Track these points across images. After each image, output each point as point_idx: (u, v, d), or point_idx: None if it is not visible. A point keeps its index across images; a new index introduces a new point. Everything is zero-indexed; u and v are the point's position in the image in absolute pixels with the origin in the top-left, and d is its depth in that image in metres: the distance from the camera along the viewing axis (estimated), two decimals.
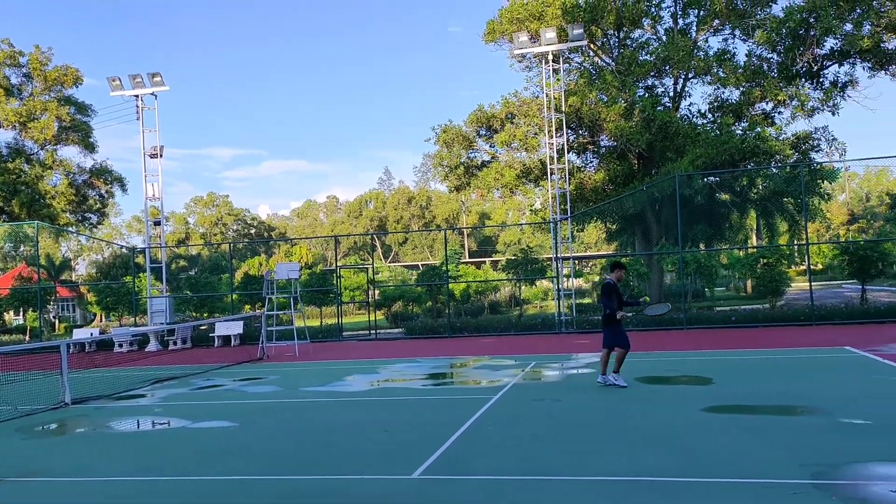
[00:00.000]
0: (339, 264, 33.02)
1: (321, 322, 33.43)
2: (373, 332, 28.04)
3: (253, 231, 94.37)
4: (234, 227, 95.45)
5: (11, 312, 41.02)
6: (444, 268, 29.88)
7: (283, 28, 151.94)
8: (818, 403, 9.71)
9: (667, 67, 29.67)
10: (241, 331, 26.50)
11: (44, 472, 8.05)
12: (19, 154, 38.04)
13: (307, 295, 30.11)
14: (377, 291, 34.28)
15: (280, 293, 24.34)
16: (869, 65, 28.77)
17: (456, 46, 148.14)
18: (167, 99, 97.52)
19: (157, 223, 30.75)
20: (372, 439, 8.95)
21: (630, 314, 12.76)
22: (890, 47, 27.94)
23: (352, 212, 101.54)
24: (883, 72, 28.81)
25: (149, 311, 28.19)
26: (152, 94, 28.72)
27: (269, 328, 22.17)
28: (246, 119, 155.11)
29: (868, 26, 26.91)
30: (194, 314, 31.75)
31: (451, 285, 30.35)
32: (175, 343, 26.64)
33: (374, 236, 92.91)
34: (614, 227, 37.79)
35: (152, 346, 26.29)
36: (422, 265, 58.96)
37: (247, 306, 32.71)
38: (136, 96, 28.68)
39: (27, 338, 34.91)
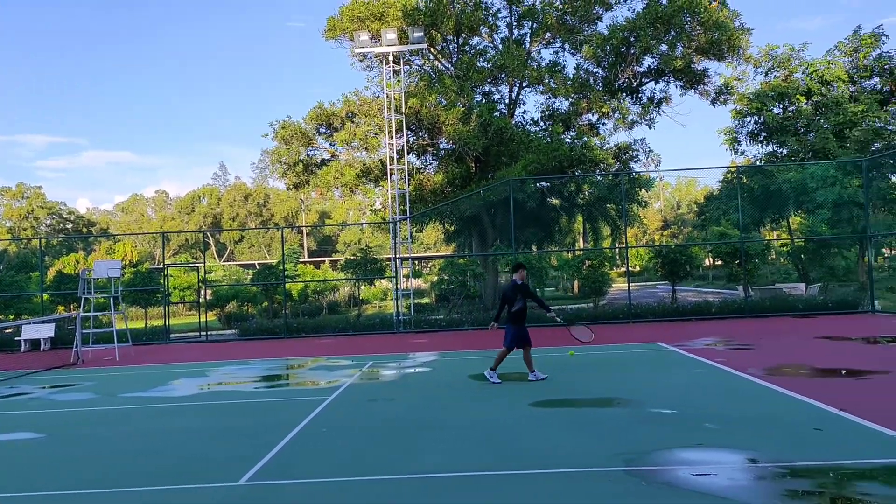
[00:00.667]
0: (167, 262, 31.19)
1: (146, 324, 31.42)
2: (203, 333, 26.76)
3: (70, 226, 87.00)
4: (48, 222, 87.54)
5: None
6: (281, 267, 29.13)
7: (110, 8, 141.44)
8: (632, 396, 10.43)
9: (503, 75, 30.76)
10: (52, 334, 24.32)
11: None
12: None
13: (131, 295, 28.21)
14: (209, 291, 32.78)
15: (99, 293, 22.60)
16: (681, 83, 31.50)
17: (297, 42, 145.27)
18: None
19: None
20: (196, 447, 8.51)
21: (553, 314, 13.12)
22: (699, 68, 30.74)
23: (183, 208, 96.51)
24: (693, 90, 31.64)
25: None
26: None
27: (84, 331, 20.50)
28: (64, 105, 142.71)
29: (681, 48, 29.44)
30: None
31: (288, 285, 29.65)
32: None
33: (208, 234, 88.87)
34: (452, 228, 38.64)
35: None
36: (258, 264, 57.17)
37: (60, 307, 30.07)
38: None
39: None
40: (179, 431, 9.50)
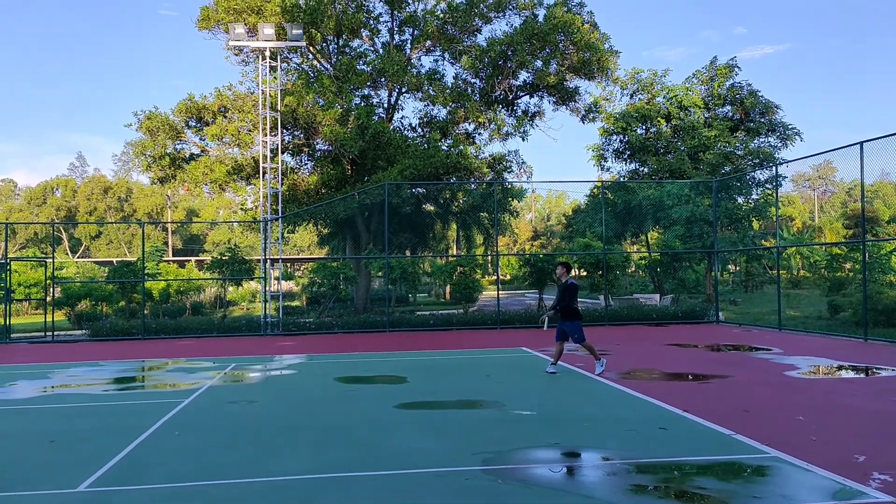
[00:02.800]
0: (10, 257, 28.79)
1: None
2: (49, 333, 24.88)
3: None
4: None
5: None
6: (141, 265, 27.62)
7: None
8: (495, 398, 10.65)
9: (382, 80, 30.73)
10: None
11: None
12: None
13: None
14: (59, 288, 30.55)
15: None
16: (554, 99, 32.71)
17: (167, 30, 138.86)
18: None
19: None
20: (32, 452, 7.87)
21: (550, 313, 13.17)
22: (571, 86, 32.05)
23: (33, 199, 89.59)
24: (564, 106, 32.94)
25: None
26: None
27: None
28: None
29: (555, 65, 30.59)
30: None
31: (148, 284, 28.15)
32: None
33: (61, 228, 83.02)
34: (326, 230, 38.13)
35: None
36: (117, 262, 54.00)
37: None
38: None
39: None
40: (15, 435, 8.75)
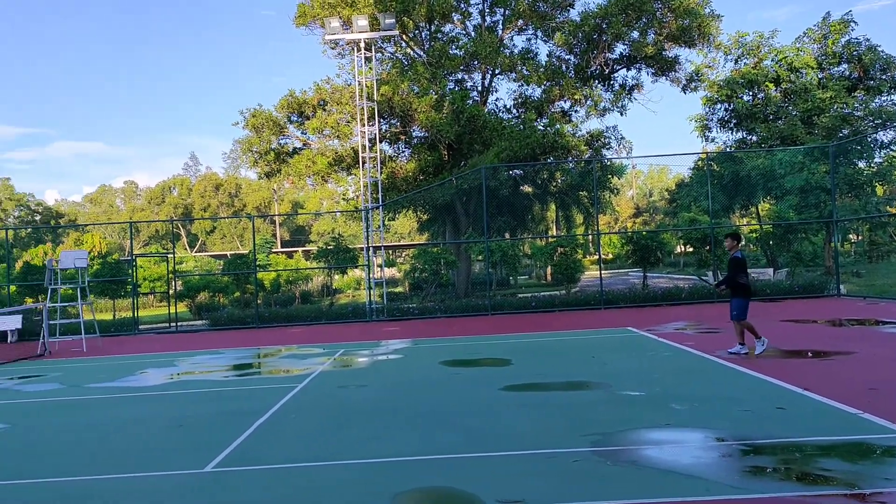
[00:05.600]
0: (135, 253, 30.75)
1: (114, 315, 31.00)
2: (173, 324, 26.45)
3: (38, 217, 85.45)
4: (16, 213, 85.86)
5: None
6: (253, 257, 28.87)
7: (79, 3, 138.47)
8: (601, 379, 10.50)
9: (475, 62, 30.67)
10: (19, 325, 23.73)
11: None
12: None
13: (99, 286, 27.78)
14: (180, 282, 32.40)
15: (66, 284, 22.21)
16: (652, 70, 31.65)
17: (269, 30, 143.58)
18: None
19: None
20: (163, 435, 8.42)
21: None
22: (670, 55, 30.90)
23: (153, 198, 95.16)
24: (664, 77, 31.82)
25: None
26: None
27: (52, 322, 20.15)
28: (33, 95, 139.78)
29: (652, 35, 29.57)
30: None
31: (260, 275, 29.41)
32: None
33: (179, 224, 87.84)
34: (425, 216, 38.55)
35: None
36: (230, 255, 56.68)
37: (28, 299, 29.53)
38: None
39: None
40: (146, 420, 9.39)
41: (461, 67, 31.01)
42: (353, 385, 11.23)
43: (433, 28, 31.60)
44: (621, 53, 31.10)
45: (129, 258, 28.72)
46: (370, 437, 7.70)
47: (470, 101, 30.14)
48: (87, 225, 72.52)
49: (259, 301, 28.25)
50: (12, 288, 27.84)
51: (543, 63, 30.97)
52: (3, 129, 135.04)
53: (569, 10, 30.73)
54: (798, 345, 13.09)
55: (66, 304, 22.91)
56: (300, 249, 69.75)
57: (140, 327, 25.85)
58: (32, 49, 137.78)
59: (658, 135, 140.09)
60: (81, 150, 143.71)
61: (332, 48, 32.64)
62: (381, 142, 29.81)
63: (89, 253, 26.50)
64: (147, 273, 38.14)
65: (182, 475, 6.65)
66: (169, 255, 32.83)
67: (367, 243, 26.92)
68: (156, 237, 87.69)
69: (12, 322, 23.91)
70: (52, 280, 20.98)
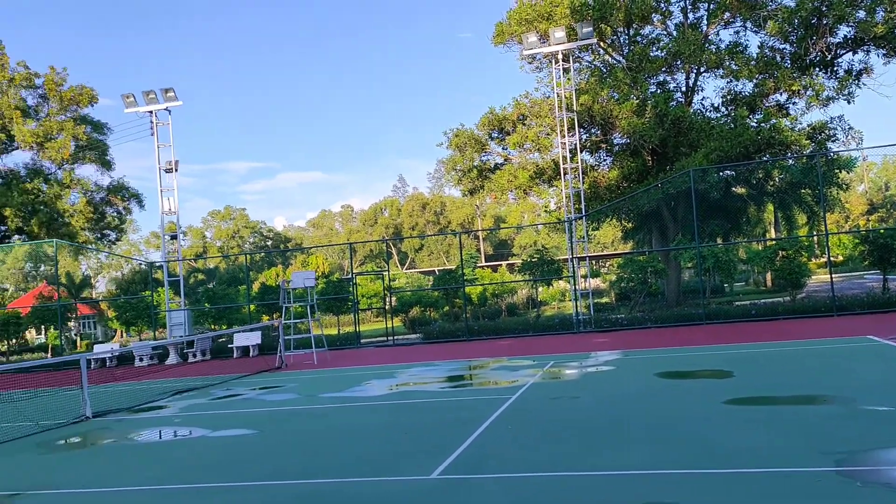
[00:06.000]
0: (355, 272, 33.05)
1: (339, 330, 33.45)
2: (390, 338, 28.03)
3: (269, 242, 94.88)
4: (251, 240, 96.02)
5: (33, 331, 41.42)
6: (460, 272, 29.82)
7: (293, 42, 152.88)
8: (839, 392, 9.55)
9: (678, 62, 29.46)
10: (259, 341, 26.59)
11: (60, 485, 8.10)
12: (37, 174, 38.49)
13: (324, 303, 30.15)
14: (394, 298, 34.26)
15: (297, 302, 24.39)
16: (883, 52, 28.38)
17: (467, 51, 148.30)
18: (182, 114, 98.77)
19: (174, 237, 30.94)
20: (390, 442, 8.93)
21: None
22: None
23: (367, 220, 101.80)
24: None
25: (168, 324, 28.35)
26: (166, 109, 28.95)
27: (286, 337, 22.21)
28: (261, 132, 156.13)
29: (881, 13, 26.57)
30: (213, 326, 31.89)
31: (467, 289, 30.27)
32: (194, 355, 26.78)
33: (390, 243, 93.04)
34: (630, 224, 37.54)
35: (172, 358, 26.44)
36: (438, 271, 59.00)
37: (265, 317, 32.82)
38: (150, 112, 28.93)
39: (49, 355, 35.26)
40: (374, 427, 10.02)
41: (663, 69, 29.93)
42: (567, 397, 11.18)
43: (632, 32, 30.85)
44: (845, 36, 28.26)
45: (350, 277, 30.91)
46: (588, 449, 7.62)
47: (674, 103, 28.98)
48: (311, 248, 79.20)
49: (467, 314, 29.09)
50: (252, 307, 31.08)
51: (754, 55, 28.98)
52: (238, 164, 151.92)
53: None
54: None
55: (297, 320, 25.13)
56: (504, 263, 70.85)
57: (361, 341, 27.68)
58: (257, 92, 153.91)
59: (893, 122, 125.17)
60: (303, 180, 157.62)
61: (530, 62, 32.98)
62: (581, 151, 29.55)
63: (315, 273, 28.86)
64: (364, 290, 40.78)
65: (412, 481, 7.01)
66: (384, 273, 34.89)
67: (571, 254, 26.75)
68: (370, 256, 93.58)
69: (254, 338, 26.73)
70: (285, 299, 23.15)
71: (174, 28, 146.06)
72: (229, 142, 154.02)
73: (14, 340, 35.47)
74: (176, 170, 29.15)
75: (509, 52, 32.37)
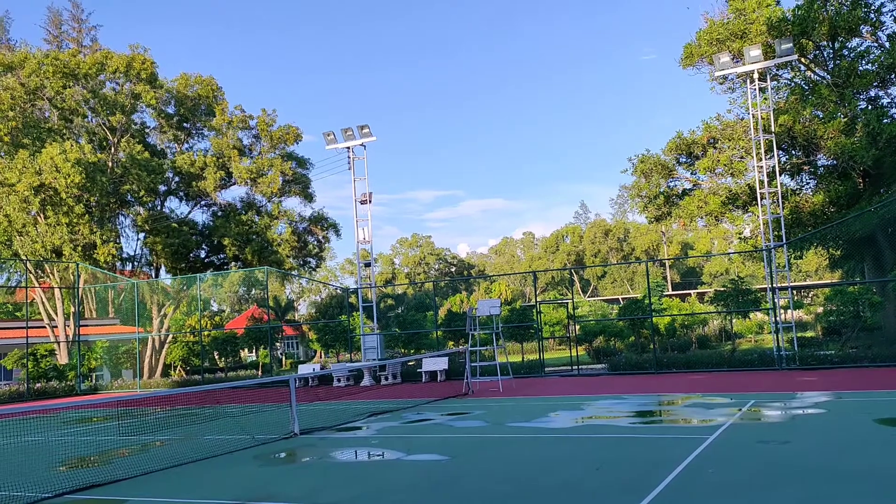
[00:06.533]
0: (538, 299, 33.12)
1: (522, 358, 33.60)
2: (575, 367, 27.68)
3: (453, 269, 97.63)
4: (436, 266, 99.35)
5: (245, 350, 45.59)
6: (647, 301, 28.88)
7: (477, 72, 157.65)
8: None
9: (892, 76, 26.85)
10: (446, 366, 27.36)
11: (277, 497, 8.82)
12: (251, 207, 42.67)
13: (507, 331, 30.47)
14: (577, 326, 33.88)
15: (482, 329, 24.87)
16: None
17: (650, 74, 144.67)
18: (374, 148, 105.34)
19: (368, 265, 32.82)
20: (583, 476, 8.82)
21: None
22: None
23: (548, 247, 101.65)
24: None
25: (362, 347, 30.01)
26: (362, 145, 30.96)
27: (472, 364, 22.67)
28: (445, 162, 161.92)
29: None
30: (403, 350, 33.30)
31: (655, 319, 29.23)
32: (386, 378, 28.07)
33: (572, 271, 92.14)
34: (838, 252, 34.39)
35: (366, 380, 27.89)
36: (622, 299, 57.47)
37: (450, 342, 33.76)
38: (348, 148, 31.08)
39: (259, 373, 38.57)
40: (566, 461, 9.93)
41: (875, 84, 27.40)
42: (775, 441, 10.42)
43: (837, 45, 28.57)
44: None
45: (533, 304, 31.01)
46: (802, 501, 7.05)
47: (888, 120, 26.37)
48: (495, 275, 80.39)
49: (655, 345, 28.08)
50: (439, 333, 32.09)
51: None
52: (425, 193, 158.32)
53: None
54: None
55: (482, 347, 25.59)
56: (693, 292, 67.61)
57: (545, 369, 27.59)
58: (444, 122, 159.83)
59: None
60: (486, 207, 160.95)
61: (721, 83, 31.55)
62: (780, 175, 27.67)
63: (500, 300, 29.29)
64: (547, 318, 40.70)
65: None
66: (567, 301, 34.62)
67: (771, 283, 25.01)
68: (552, 283, 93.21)
69: (441, 363, 27.56)
70: (471, 326, 23.68)
71: (367, 66, 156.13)
72: (416, 171, 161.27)
73: (231, 358, 39.22)
74: (370, 201, 30.98)
75: (699, 73, 31.19)
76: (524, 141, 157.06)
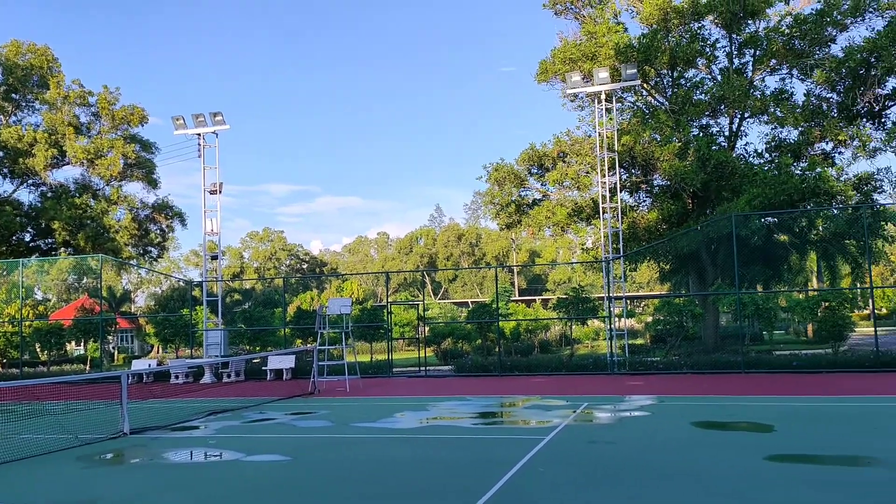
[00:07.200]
0: (389, 300, 33.21)
1: (371, 358, 33.56)
2: (422, 368, 28.01)
3: (305, 266, 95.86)
4: (287, 262, 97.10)
5: (73, 342, 42.27)
6: (495, 305, 29.79)
7: (339, 67, 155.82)
8: (887, 455, 9.30)
9: (722, 107, 29.39)
10: (293, 365, 26.79)
11: (97, 501, 8.24)
12: (86, 189, 39.61)
13: (358, 330, 30.31)
14: (427, 328, 34.31)
15: (332, 328, 24.57)
16: None
17: (508, 86, 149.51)
18: (227, 137, 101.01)
19: (214, 257, 31.49)
20: (424, 477, 8.92)
21: None
22: None
23: (402, 248, 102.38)
24: None
25: (204, 343, 28.74)
26: (213, 132, 29.66)
27: (320, 363, 22.36)
28: (302, 156, 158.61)
29: None
30: (248, 347, 32.22)
31: (501, 323, 30.18)
32: (229, 375, 27.06)
33: (425, 273, 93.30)
34: (668, 266, 37.17)
35: (207, 378, 26.74)
36: (471, 302, 58.92)
37: (299, 340, 33.08)
38: (199, 135, 29.66)
39: (88, 368, 35.89)
40: (407, 462, 10.01)
41: (706, 113, 29.88)
42: (602, 441, 11.06)
43: (675, 74, 30.89)
44: (894, 88, 27.96)
45: (384, 304, 31.07)
46: (627, 498, 7.52)
47: (716, 147, 28.85)
48: (347, 274, 79.79)
49: (500, 349, 28.98)
50: (287, 330, 31.36)
51: (800, 103, 28.80)
52: (279, 186, 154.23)
53: (829, 46, 28.38)
54: None
55: (331, 346, 25.30)
56: (538, 298, 70.53)
57: (393, 370, 27.71)
58: (301, 116, 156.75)
59: None
60: (342, 204, 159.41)
61: (572, 101, 33.15)
62: (621, 191, 29.50)
63: (351, 300, 29.08)
64: (398, 318, 40.90)
65: None
66: (418, 303, 34.99)
67: (608, 293, 26.58)
68: (404, 284, 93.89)
69: (288, 361, 26.94)
70: (321, 324, 23.34)
71: (223, 52, 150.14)
72: (271, 164, 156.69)
73: (55, 351, 36.23)
74: (220, 192, 29.75)
75: (552, 89, 32.58)
76: (384, 141, 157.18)
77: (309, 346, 26.65)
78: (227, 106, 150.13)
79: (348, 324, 23.91)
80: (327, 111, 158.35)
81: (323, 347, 23.33)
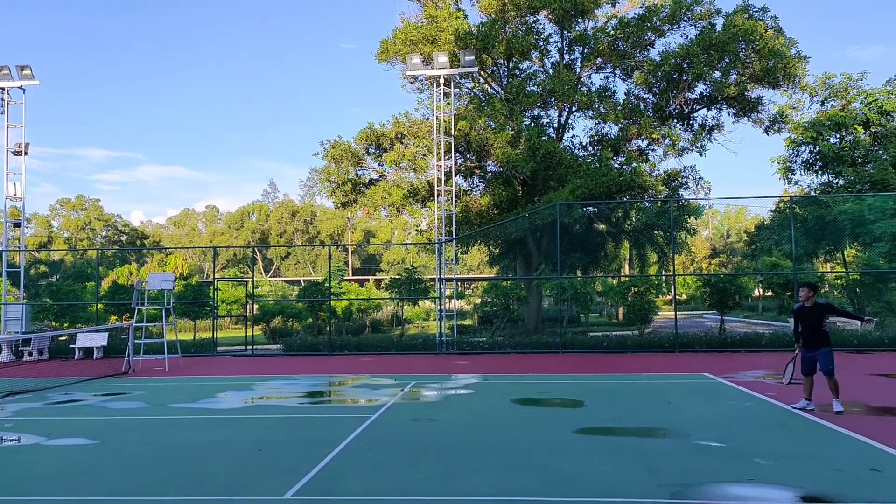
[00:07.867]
0: (217, 276, 31.85)
1: (195, 336, 32.08)
2: (249, 347, 27.19)
3: (124, 238, 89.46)
4: (104, 234, 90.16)
5: None
6: (328, 284, 29.47)
7: (164, 27, 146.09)
8: (678, 426, 10.26)
9: (552, 99, 30.79)
10: (105, 343, 24.99)
11: None
12: None
13: (181, 307, 28.83)
14: (256, 306, 33.31)
15: (151, 304, 23.17)
16: (734, 111, 31.10)
17: (348, 63, 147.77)
18: (36, 93, 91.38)
19: (17, 224, 28.56)
20: (243, 459, 8.66)
21: None
22: (753, 96, 30.32)
23: (233, 223, 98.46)
24: (745, 118, 31.20)
25: (2, 318, 26.07)
26: (20, 87, 26.81)
27: (136, 341, 21.02)
28: (122, 120, 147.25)
29: (734, 75, 29.12)
30: (54, 324, 29.63)
31: (333, 302, 29.95)
32: (31, 354, 24.78)
33: (256, 249, 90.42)
34: (497, 250, 38.63)
35: (4, 356, 24.33)
36: (304, 281, 57.93)
37: (113, 317, 30.91)
38: (2, 89, 26.70)
39: None
40: (227, 443, 9.67)
41: (538, 104, 31.19)
42: (426, 419, 11.30)
43: (511, 65, 31.96)
44: (702, 93, 30.72)
45: (210, 281, 29.75)
46: (446, 474, 7.74)
47: (546, 138, 30.23)
48: (171, 248, 75.49)
49: (331, 328, 28.75)
50: (100, 306, 29.18)
51: (621, 101, 30.86)
52: (94, 151, 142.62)
53: (649, 50, 30.60)
54: (889, 401, 12.49)
55: (150, 323, 23.85)
56: (371, 278, 70.69)
57: (218, 349, 26.66)
58: (121, 74, 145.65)
59: (738, 175, 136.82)
60: (167, 174, 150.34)
61: (412, 83, 33.36)
62: (456, 175, 30.15)
63: (174, 275, 27.56)
64: (225, 296, 39.36)
65: (264, 501, 6.83)
66: (247, 280, 33.86)
67: (439, 275, 27.15)
68: (234, 261, 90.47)
69: (99, 339, 25.10)
70: (138, 300, 21.92)
71: (34, 2, 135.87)
72: (86, 126, 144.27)
73: None
74: (26, 153, 27.02)
75: (392, 69, 32.59)
76: (214, 110, 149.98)
77: (125, 323, 24.94)
78: (36, 59, 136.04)
79: (170, 300, 22.63)
80: (149, 75, 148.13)
81: (140, 325, 21.95)
